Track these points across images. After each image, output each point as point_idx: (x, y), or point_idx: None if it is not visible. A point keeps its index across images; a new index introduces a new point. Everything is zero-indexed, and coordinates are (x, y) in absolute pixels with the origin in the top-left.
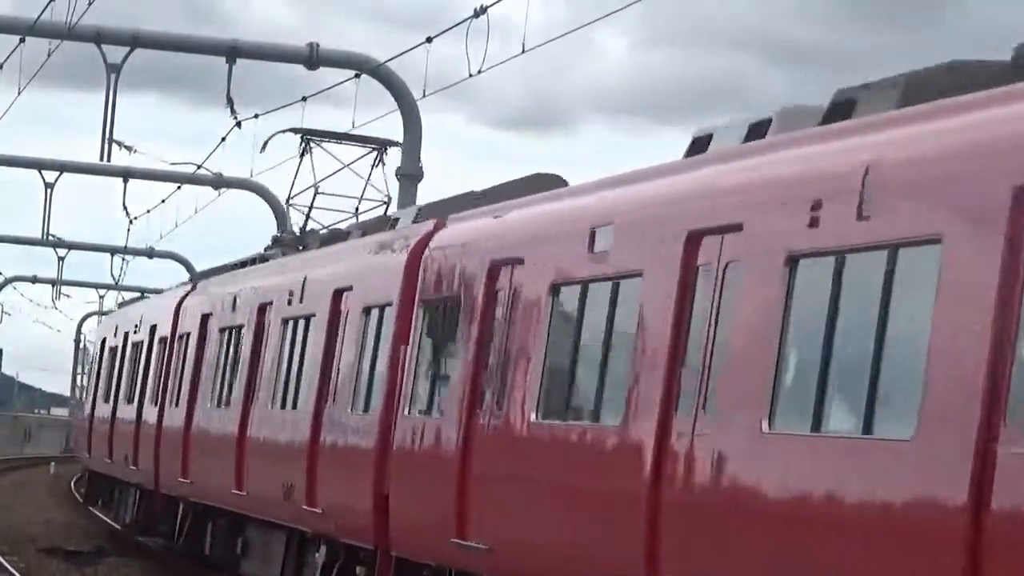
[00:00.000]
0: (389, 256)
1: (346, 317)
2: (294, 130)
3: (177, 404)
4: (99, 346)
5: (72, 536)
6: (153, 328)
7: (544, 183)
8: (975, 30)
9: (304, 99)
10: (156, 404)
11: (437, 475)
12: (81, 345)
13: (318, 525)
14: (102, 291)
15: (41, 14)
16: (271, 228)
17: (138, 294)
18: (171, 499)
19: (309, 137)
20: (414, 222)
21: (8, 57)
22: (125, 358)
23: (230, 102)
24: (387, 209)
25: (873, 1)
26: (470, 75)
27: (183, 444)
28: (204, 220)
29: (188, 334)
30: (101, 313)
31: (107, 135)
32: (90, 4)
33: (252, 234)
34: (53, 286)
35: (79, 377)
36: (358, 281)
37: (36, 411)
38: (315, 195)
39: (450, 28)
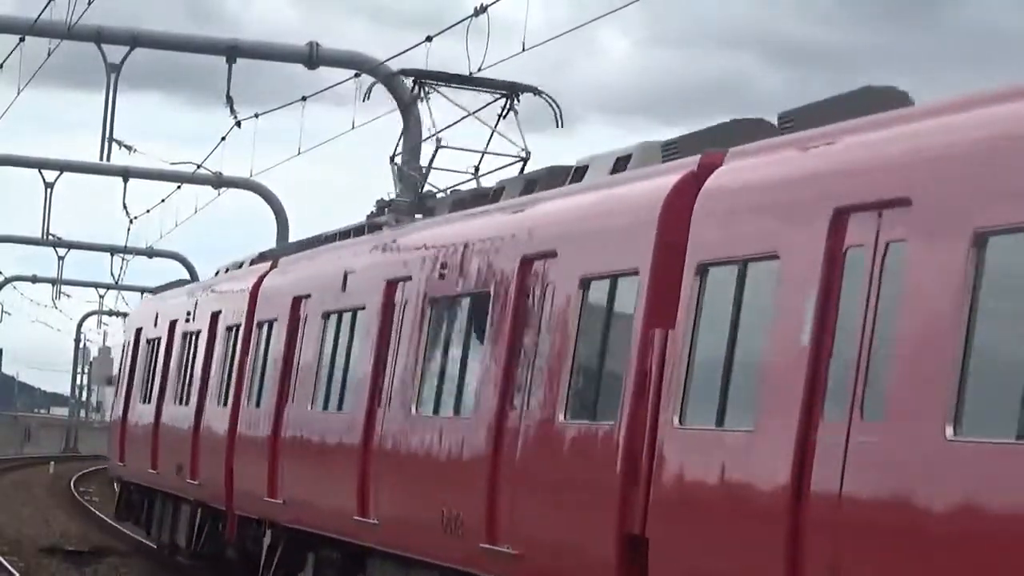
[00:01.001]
0: (622, 208)
1: (544, 293)
2: (405, 72)
3: (258, 405)
4: (131, 339)
5: (72, 536)
6: (215, 315)
7: (878, 100)
8: (974, 30)
9: (304, 99)
10: (225, 405)
11: (746, 514)
12: (81, 345)
13: (509, 570)
14: (102, 291)
15: (41, 14)
16: (271, 228)
17: (180, 279)
18: (247, 521)
19: (424, 81)
20: (615, 170)
21: (8, 57)
22: (172, 351)
23: (230, 102)
24: (524, 166)
25: (873, 1)
26: (470, 74)
27: (270, 455)
28: (204, 220)
29: (272, 321)
30: (101, 313)
31: (107, 135)
32: (90, 4)
33: (252, 234)
34: (53, 286)
35: (79, 377)
36: (566, 245)
37: (36, 411)
38: (437, 149)
39: (450, 27)
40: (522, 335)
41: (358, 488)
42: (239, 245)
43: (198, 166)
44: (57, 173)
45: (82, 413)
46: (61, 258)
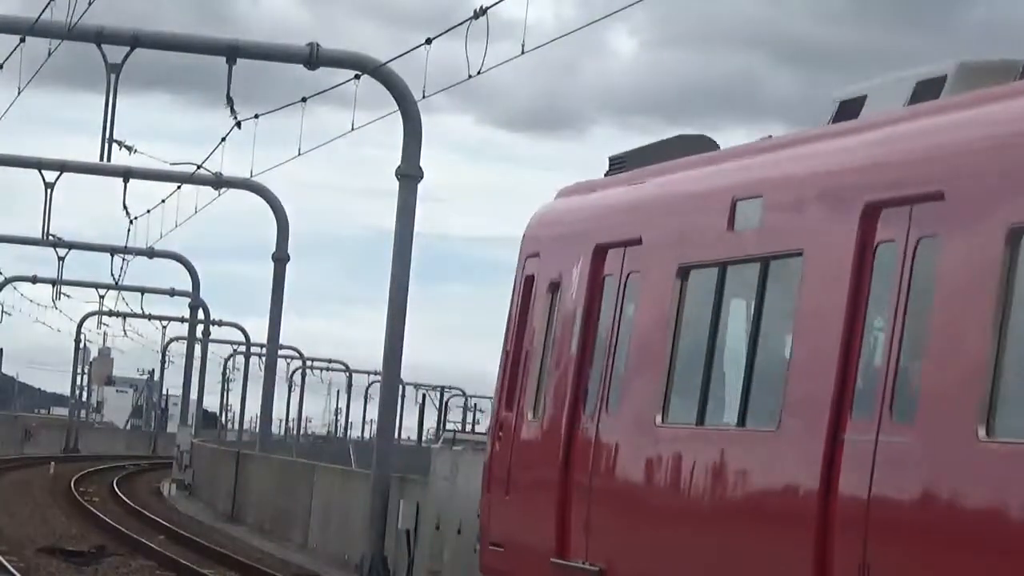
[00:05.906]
0: None
1: None
2: None
3: None
4: (575, 278)
5: (72, 536)
6: None
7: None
8: (985, 28)
9: (304, 100)
10: None
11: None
12: (82, 345)
13: None
14: (102, 291)
15: (41, 14)
16: (271, 228)
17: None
18: None
19: None
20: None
21: (8, 57)
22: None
23: (230, 102)
24: None
25: (883, 1)
26: (469, 76)
27: None
28: (204, 220)
29: None
30: (102, 313)
31: (107, 135)
32: (91, 4)
33: (252, 234)
34: (53, 286)
35: (79, 377)
36: None
37: (36, 411)
38: None
39: (450, 29)
40: None
41: None
42: (239, 245)
43: (198, 166)
44: (57, 173)
45: (82, 413)
46: (61, 258)
